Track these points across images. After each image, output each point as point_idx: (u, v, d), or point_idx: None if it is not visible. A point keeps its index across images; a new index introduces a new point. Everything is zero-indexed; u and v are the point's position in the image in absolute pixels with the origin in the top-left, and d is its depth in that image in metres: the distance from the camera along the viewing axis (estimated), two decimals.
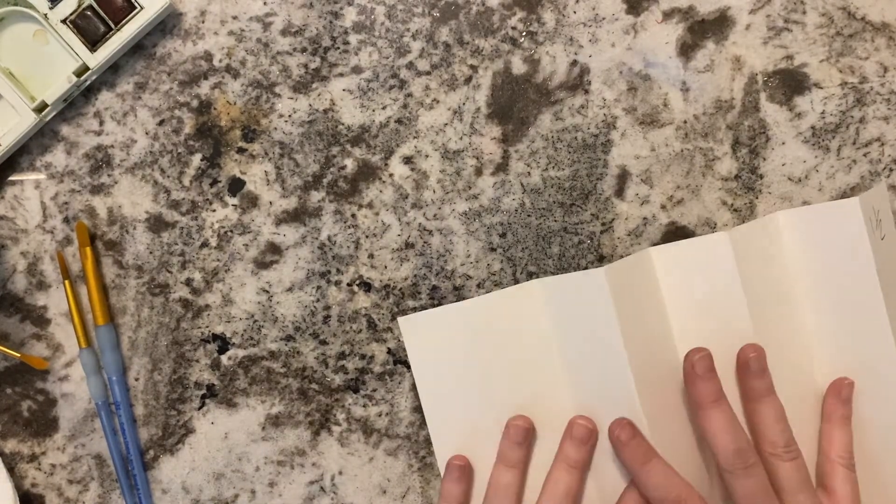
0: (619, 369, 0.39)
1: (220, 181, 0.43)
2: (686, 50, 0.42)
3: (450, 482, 0.41)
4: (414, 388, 0.43)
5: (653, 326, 0.40)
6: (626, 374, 0.38)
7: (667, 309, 0.40)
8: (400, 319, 0.42)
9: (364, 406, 0.43)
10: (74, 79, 0.40)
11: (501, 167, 0.42)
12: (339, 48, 0.42)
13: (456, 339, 0.42)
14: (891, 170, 0.42)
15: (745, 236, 0.40)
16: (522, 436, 0.41)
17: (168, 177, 0.43)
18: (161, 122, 0.42)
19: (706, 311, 0.40)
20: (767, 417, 0.39)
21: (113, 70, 0.42)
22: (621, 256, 0.42)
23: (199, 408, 0.43)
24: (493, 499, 0.40)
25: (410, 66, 0.42)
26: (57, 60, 0.41)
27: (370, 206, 0.43)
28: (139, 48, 0.42)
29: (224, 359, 0.43)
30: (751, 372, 0.39)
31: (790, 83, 0.42)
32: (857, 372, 0.41)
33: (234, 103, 0.42)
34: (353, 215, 0.43)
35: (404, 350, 0.43)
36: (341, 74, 0.42)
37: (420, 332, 0.42)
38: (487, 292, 0.42)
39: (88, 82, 0.42)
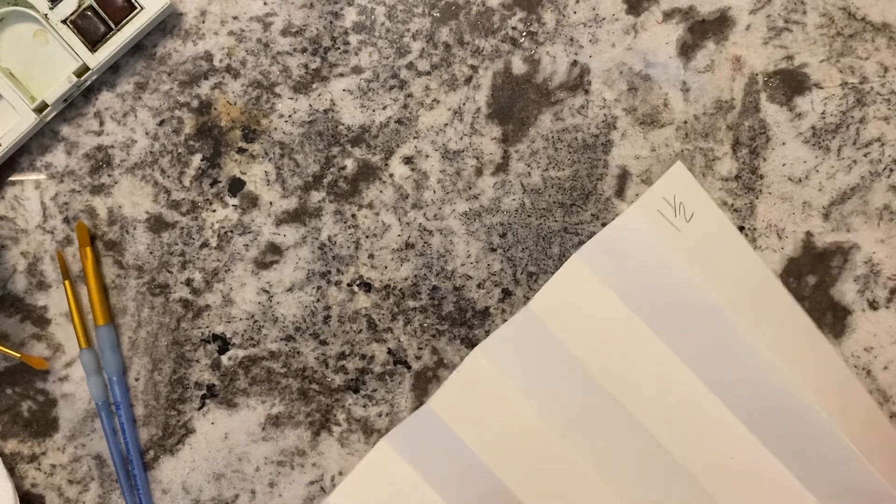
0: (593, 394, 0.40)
1: (220, 181, 0.43)
2: (686, 50, 0.42)
3: None
4: (414, 387, 0.43)
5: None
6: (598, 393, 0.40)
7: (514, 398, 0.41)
8: (327, 501, 0.42)
9: (364, 406, 0.43)
10: (74, 79, 0.40)
11: (501, 167, 0.42)
12: (339, 48, 0.42)
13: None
14: (891, 170, 0.42)
15: (549, 300, 0.41)
16: None
17: (168, 177, 0.43)
18: (161, 123, 0.42)
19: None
20: None
21: (113, 70, 0.42)
22: None
23: (199, 408, 0.43)
24: None
25: (410, 66, 0.42)
26: (57, 60, 0.41)
27: (370, 206, 0.43)
28: (139, 48, 0.42)
29: (224, 359, 0.43)
30: None
31: (790, 83, 0.42)
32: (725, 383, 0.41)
33: (235, 103, 0.42)
34: (354, 215, 0.43)
35: (404, 350, 0.43)
36: (341, 74, 0.42)
37: (359, 499, 0.42)
38: (488, 293, 0.42)
39: (88, 82, 0.42)
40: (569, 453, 0.41)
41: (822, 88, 0.42)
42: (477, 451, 0.40)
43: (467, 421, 0.41)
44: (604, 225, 0.42)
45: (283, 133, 0.42)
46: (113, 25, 0.40)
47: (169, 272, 0.43)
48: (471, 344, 0.43)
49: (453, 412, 0.41)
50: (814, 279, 0.42)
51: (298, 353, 0.43)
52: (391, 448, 0.41)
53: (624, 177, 0.42)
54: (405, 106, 0.42)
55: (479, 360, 0.41)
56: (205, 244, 0.43)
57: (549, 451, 0.41)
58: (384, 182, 0.42)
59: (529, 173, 0.42)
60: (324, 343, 0.43)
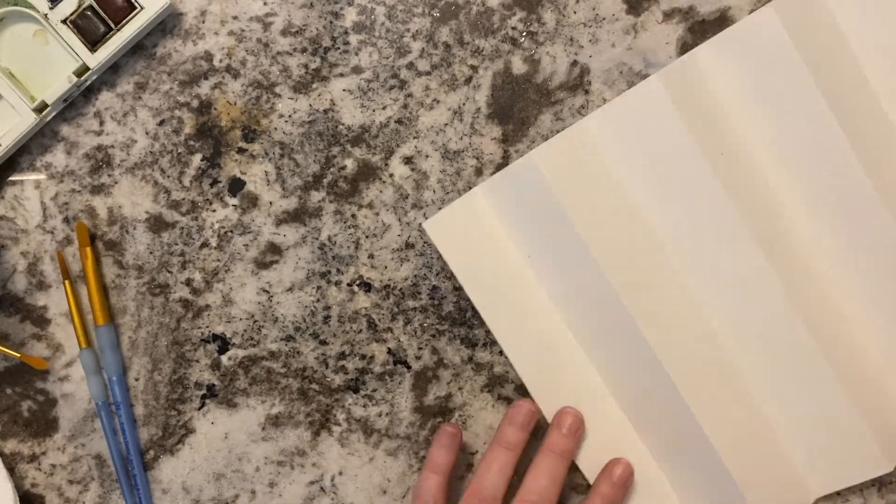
0: (582, 258, 0.39)
1: (220, 181, 0.43)
2: (686, 50, 0.42)
3: (438, 448, 0.41)
4: (414, 387, 0.43)
5: (607, 202, 0.39)
6: (590, 262, 0.39)
7: (619, 178, 0.39)
8: (424, 224, 0.41)
9: (364, 406, 0.43)
10: (74, 79, 0.40)
11: (501, 167, 0.42)
12: (339, 48, 0.42)
13: (495, 225, 0.41)
14: None
15: (678, 75, 0.39)
16: (526, 418, 0.41)
17: (168, 177, 0.43)
18: (161, 123, 0.42)
19: (662, 170, 0.39)
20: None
21: (113, 70, 0.42)
22: None
23: (199, 408, 0.43)
24: (483, 477, 0.40)
25: (410, 66, 0.42)
26: (57, 60, 0.41)
27: (370, 206, 0.43)
28: (139, 48, 0.42)
29: (224, 359, 0.43)
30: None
31: None
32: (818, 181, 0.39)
33: (235, 103, 0.42)
34: (353, 215, 0.43)
35: (404, 350, 0.43)
36: (341, 74, 0.42)
37: (452, 231, 0.41)
38: None
39: (88, 82, 0.42)
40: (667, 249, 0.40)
41: None
42: (570, 213, 0.39)
43: (567, 185, 0.39)
44: None
45: (283, 133, 0.42)
46: (113, 25, 0.40)
47: (169, 272, 0.43)
48: (471, 344, 0.43)
49: (555, 168, 0.39)
50: None
51: (298, 353, 0.43)
52: (489, 194, 0.41)
53: None
54: (405, 106, 0.42)
55: (589, 127, 0.39)
56: (205, 244, 0.43)
57: (645, 240, 0.39)
58: (384, 182, 0.42)
59: None
60: (324, 343, 0.43)
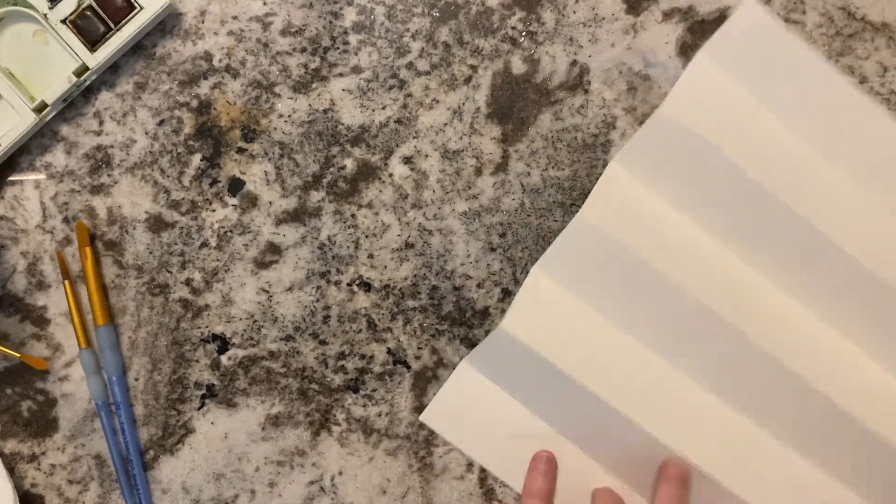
0: (577, 403, 0.40)
1: (219, 181, 0.43)
2: (686, 50, 0.42)
3: (535, 475, 0.41)
4: (414, 387, 0.43)
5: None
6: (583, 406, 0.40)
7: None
8: (422, 417, 0.42)
9: (364, 406, 0.43)
10: (74, 79, 0.40)
11: (501, 167, 0.42)
12: (338, 48, 0.42)
13: (490, 393, 0.42)
14: None
15: (598, 208, 0.40)
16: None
17: (168, 177, 0.43)
18: (161, 122, 0.42)
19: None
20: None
21: (113, 70, 0.42)
22: None
23: (199, 408, 0.43)
24: None
25: (410, 66, 0.42)
26: (57, 60, 0.41)
27: (370, 206, 0.43)
28: (139, 48, 0.42)
29: (224, 359, 0.43)
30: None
31: None
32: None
33: (234, 103, 0.42)
34: (353, 215, 0.43)
35: (404, 350, 0.43)
36: (341, 74, 0.42)
37: (448, 414, 0.42)
38: (487, 293, 0.42)
39: (88, 82, 0.42)
40: (647, 354, 0.40)
41: None
42: (556, 362, 0.40)
43: (542, 336, 0.40)
44: None
45: (283, 133, 0.42)
46: (112, 25, 0.40)
47: (168, 272, 0.43)
48: (471, 344, 0.43)
49: (527, 330, 0.40)
50: None
51: (298, 352, 0.43)
52: (472, 368, 0.42)
53: None
54: (405, 106, 0.42)
55: (538, 278, 0.41)
56: (204, 244, 0.43)
57: (628, 354, 0.40)
58: (384, 182, 0.42)
59: (529, 173, 0.42)
60: (323, 343, 0.43)
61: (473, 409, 0.42)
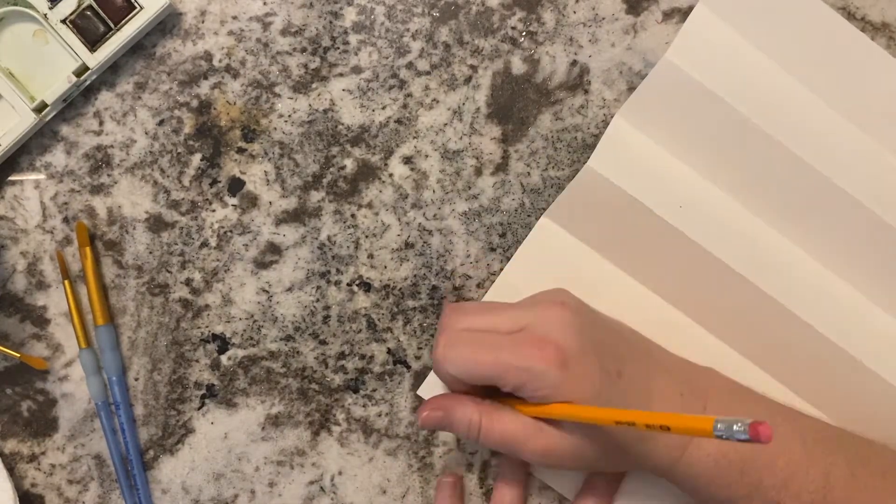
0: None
1: (219, 181, 0.43)
2: None
3: (442, 499, 0.42)
4: (414, 387, 0.43)
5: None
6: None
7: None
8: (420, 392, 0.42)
9: (364, 406, 0.43)
10: (74, 79, 0.40)
11: (501, 167, 0.42)
12: (338, 48, 0.42)
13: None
14: None
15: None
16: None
17: (168, 177, 0.43)
18: (161, 122, 0.42)
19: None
20: None
21: (113, 70, 0.42)
22: None
23: (199, 408, 0.43)
24: None
25: (410, 66, 0.42)
26: (57, 60, 0.41)
27: (370, 206, 0.42)
28: (139, 48, 0.42)
29: (224, 359, 0.43)
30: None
31: None
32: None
33: (234, 103, 0.42)
34: (353, 215, 0.42)
35: (404, 350, 0.43)
36: (341, 74, 0.42)
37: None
38: (487, 293, 0.42)
39: (88, 82, 0.42)
40: (654, 300, 0.41)
41: None
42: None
43: (546, 284, 0.39)
44: None
45: (283, 133, 0.42)
46: (112, 25, 0.40)
47: (168, 272, 0.43)
48: None
49: (528, 277, 0.40)
50: None
51: (298, 352, 0.43)
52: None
53: None
54: (405, 106, 0.42)
55: (546, 227, 0.41)
56: (204, 244, 0.43)
57: (636, 299, 0.41)
58: (384, 182, 0.42)
59: (529, 173, 0.42)
60: (323, 343, 0.43)
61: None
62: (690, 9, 0.41)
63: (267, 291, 0.43)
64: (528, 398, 0.35)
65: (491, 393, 0.37)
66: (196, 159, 0.42)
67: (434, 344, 0.37)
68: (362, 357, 0.43)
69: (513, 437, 0.36)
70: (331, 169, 0.42)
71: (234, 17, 0.42)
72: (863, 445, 0.38)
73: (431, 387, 0.42)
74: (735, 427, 0.24)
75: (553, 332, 0.34)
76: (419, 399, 0.43)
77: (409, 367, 0.43)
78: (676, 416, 0.28)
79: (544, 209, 0.42)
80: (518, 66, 0.42)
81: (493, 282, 0.42)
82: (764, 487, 0.35)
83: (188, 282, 0.43)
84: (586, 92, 0.42)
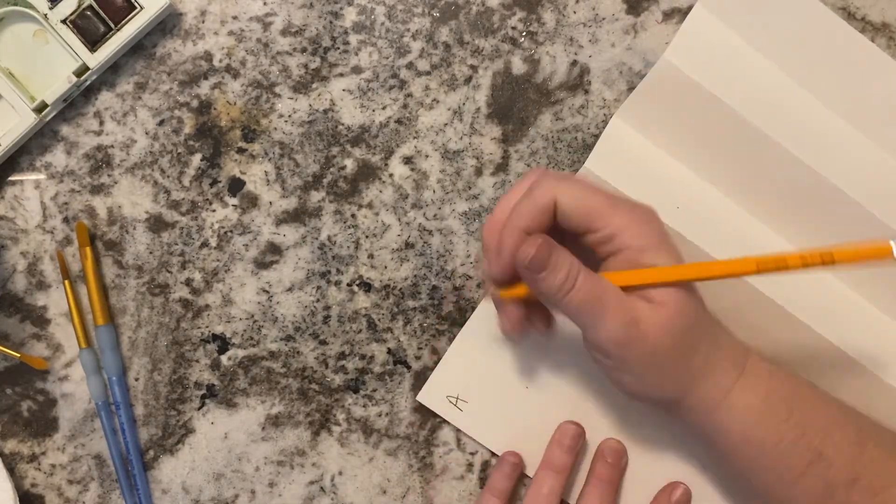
0: None
1: (220, 181, 0.43)
2: None
3: (500, 475, 0.41)
4: (414, 387, 0.43)
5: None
6: None
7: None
8: (419, 398, 0.42)
9: (364, 406, 0.43)
10: (74, 79, 0.40)
11: (501, 167, 0.42)
12: (339, 48, 0.42)
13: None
14: None
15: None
16: (573, 441, 0.41)
17: (168, 177, 0.43)
18: (161, 122, 0.42)
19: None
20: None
21: (113, 70, 0.42)
22: None
23: (199, 408, 0.43)
24: (534, 500, 0.40)
25: (410, 66, 0.42)
26: (57, 60, 0.41)
27: (370, 206, 0.42)
28: (139, 48, 0.42)
29: (224, 359, 0.43)
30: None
31: None
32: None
33: (234, 103, 0.42)
34: (353, 215, 0.42)
35: (404, 350, 0.43)
36: (341, 74, 0.42)
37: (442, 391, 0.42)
38: (484, 298, 0.42)
39: (88, 82, 0.42)
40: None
41: None
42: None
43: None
44: None
45: (283, 133, 0.42)
46: (113, 25, 0.40)
47: (169, 272, 0.43)
48: None
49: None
50: None
51: (298, 353, 0.43)
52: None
53: None
54: (405, 106, 0.42)
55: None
56: (205, 244, 0.43)
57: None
58: (384, 182, 0.42)
59: None
60: (324, 343, 0.43)
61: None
62: (690, 9, 0.41)
63: (267, 291, 0.43)
64: (617, 256, 0.33)
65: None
66: (196, 159, 0.42)
67: (532, 183, 0.34)
68: (362, 357, 0.43)
69: (603, 298, 0.32)
70: (331, 169, 0.42)
71: (235, 18, 0.42)
72: (884, 427, 0.38)
73: (432, 391, 0.42)
74: None
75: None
76: (419, 402, 0.43)
77: (409, 368, 0.43)
78: (842, 248, 0.26)
79: None
80: (518, 67, 0.42)
81: None
82: (812, 430, 0.34)
83: (188, 282, 0.43)
84: (586, 92, 0.42)
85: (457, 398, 0.42)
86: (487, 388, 0.42)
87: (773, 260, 0.31)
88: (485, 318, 0.41)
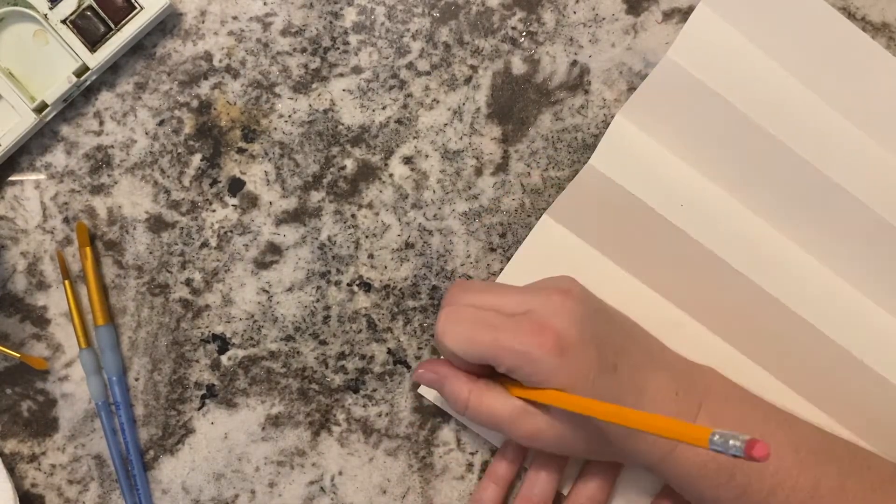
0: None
1: (220, 181, 0.43)
2: None
3: (502, 461, 0.41)
4: (414, 387, 0.43)
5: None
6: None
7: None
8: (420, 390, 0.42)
9: (364, 406, 0.43)
10: (74, 79, 0.40)
11: (501, 167, 0.42)
12: (339, 48, 0.42)
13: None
14: None
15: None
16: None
17: (168, 177, 0.43)
18: (161, 123, 0.42)
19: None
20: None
21: (113, 70, 0.42)
22: None
23: (199, 408, 0.43)
24: (533, 483, 0.40)
25: (410, 66, 0.42)
26: (57, 60, 0.41)
27: (370, 206, 0.43)
28: (139, 48, 0.42)
29: (224, 359, 0.43)
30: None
31: None
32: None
33: (234, 103, 0.42)
34: (353, 215, 0.43)
35: (404, 350, 0.43)
36: (341, 74, 0.42)
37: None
38: None
39: (88, 82, 0.42)
40: (656, 300, 0.41)
41: None
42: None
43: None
44: None
45: (283, 133, 0.42)
46: (113, 25, 0.40)
47: (169, 272, 0.43)
48: None
49: (530, 277, 0.39)
50: None
51: (298, 353, 0.43)
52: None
53: None
54: (405, 106, 0.42)
55: (547, 226, 0.41)
56: (205, 244, 0.43)
57: (639, 298, 0.41)
58: (384, 182, 0.42)
59: (529, 173, 0.42)
60: (323, 343, 0.43)
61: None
62: (690, 9, 0.41)
63: (267, 291, 0.43)
64: (523, 381, 0.35)
65: (488, 369, 0.37)
66: (196, 159, 0.42)
67: (437, 317, 0.37)
68: (362, 357, 0.43)
69: (500, 417, 0.36)
70: (331, 169, 0.42)
71: (235, 18, 0.42)
72: (858, 457, 0.38)
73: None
74: (731, 442, 0.24)
75: (554, 319, 0.34)
76: (419, 399, 0.43)
77: (409, 368, 0.43)
78: (671, 422, 0.27)
79: (544, 209, 0.42)
80: (518, 67, 0.42)
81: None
82: (752, 491, 0.35)
83: (188, 282, 0.43)
84: (586, 92, 0.42)
85: None
86: None
87: (619, 412, 0.31)
88: None
